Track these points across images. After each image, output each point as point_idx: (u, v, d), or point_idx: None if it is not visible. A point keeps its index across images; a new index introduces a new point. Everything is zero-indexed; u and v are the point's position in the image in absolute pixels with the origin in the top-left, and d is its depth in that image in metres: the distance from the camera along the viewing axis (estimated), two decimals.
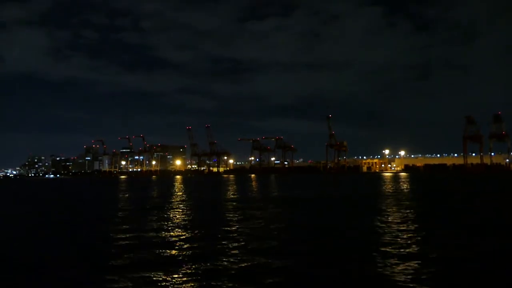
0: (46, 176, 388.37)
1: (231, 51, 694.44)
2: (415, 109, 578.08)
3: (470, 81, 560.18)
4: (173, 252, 16.71)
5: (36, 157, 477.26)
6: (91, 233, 22.91)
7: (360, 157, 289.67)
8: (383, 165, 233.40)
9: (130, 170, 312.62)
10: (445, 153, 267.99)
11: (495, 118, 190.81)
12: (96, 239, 20.47)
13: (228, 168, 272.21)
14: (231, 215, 29.34)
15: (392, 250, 16.28)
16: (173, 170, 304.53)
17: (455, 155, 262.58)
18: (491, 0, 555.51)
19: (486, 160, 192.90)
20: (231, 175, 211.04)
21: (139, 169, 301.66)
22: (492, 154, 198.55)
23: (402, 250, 16.21)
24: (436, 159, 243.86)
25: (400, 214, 28.24)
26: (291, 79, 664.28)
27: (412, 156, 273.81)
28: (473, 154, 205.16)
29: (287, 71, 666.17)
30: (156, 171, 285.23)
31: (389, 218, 26.53)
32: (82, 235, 22.17)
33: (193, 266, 14.11)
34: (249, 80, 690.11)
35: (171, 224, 25.09)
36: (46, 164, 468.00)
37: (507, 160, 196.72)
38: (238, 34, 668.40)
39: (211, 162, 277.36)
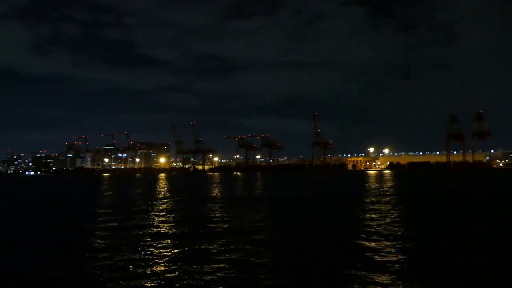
0: (26, 173, 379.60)
1: (216, 49, 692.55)
2: (398, 108, 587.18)
3: (451, 80, 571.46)
4: (155, 254, 16.02)
5: (16, 154, 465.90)
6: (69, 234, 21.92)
7: (345, 155, 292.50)
8: (367, 163, 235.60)
9: (114, 167, 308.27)
10: (428, 151, 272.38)
11: (477, 116, 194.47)
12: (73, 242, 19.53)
13: (213, 166, 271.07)
14: (216, 214, 28.68)
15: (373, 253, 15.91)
16: (157, 167, 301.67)
17: (437, 153, 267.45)
18: (471, 1, 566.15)
19: (468, 158, 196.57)
20: (216, 173, 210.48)
21: (122, 167, 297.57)
22: (473, 152, 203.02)
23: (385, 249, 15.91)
24: (419, 157, 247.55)
25: (385, 213, 28.04)
26: (276, 78, 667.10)
27: (396, 154, 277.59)
28: (455, 152, 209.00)
29: (272, 69, 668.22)
30: (140, 168, 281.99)
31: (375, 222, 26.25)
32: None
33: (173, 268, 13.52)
34: (234, 78, 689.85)
35: (155, 226, 24.30)
36: (26, 161, 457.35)
37: (488, 158, 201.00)
38: (223, 32, 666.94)
39: (196, 160, 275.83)
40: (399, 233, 20.22)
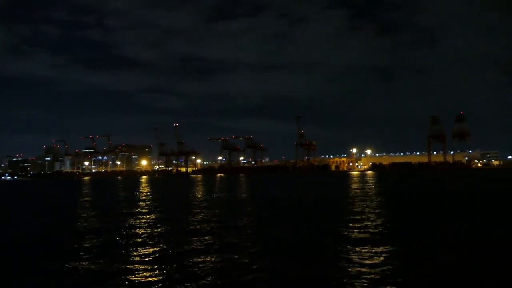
0: (3, 178, 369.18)
1: (200, 50, 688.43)
2: (380, 110, 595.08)
3: (432, 82, 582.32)
4: (136, 260, 15.43)
5: None
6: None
7: (328, 156, 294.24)
8: (350, 164, 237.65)
9: (94, 171, 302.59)
10: (409, 152, 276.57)
11: (458, 118, 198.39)
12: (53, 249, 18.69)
13: (196, 168, 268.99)
14: (198, 218, 28.12)
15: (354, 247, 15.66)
16: (139, 170, 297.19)
17: (418, 153, 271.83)
18: (452, 4, 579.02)
19: (449, 158, 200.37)
20: (199, 175, 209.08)
21: (103, 170, 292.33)
22: (453, 152, 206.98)
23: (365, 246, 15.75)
24: (401, 157, 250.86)
25: (368, 215, 27.98)
26: (260, 80, 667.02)
27: (378, 154, 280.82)
28: (434, 153, 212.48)
29: (256, 71, 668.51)
30: (121, 171, 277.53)
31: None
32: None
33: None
34: (217, 80, 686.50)
35: (137, 231, 23.60)
36: (2, 165, 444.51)
37: (467, 158, 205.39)
38: (207, 34, 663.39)
39: (178, 162, 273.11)
40: (381, 235, 20.05)
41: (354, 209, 31.15)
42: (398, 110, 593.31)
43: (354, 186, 67.01)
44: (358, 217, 26.24)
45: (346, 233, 20.54)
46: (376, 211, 29.86)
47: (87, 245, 19.11)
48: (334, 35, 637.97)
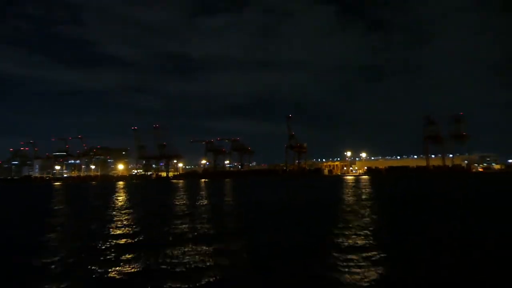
0: None
1: (181, 47, 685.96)
2: (372, 110, 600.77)
3: (425, 82, 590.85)
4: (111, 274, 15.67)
5: None
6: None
7: (319, 160, 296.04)
8: (344, 168, 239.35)
9: (66, 175, 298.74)
10: (405, 155, 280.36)
11: (456, 118, 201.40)
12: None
13: (178, 173, 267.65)
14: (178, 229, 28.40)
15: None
16: (115, 175, 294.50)
17: (415, 156, 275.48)
18: (445, 2, 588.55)
19: (448, 162, 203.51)
20: (181, 180, 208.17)
21: (76, 175, 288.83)
22: (452, 155, 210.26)
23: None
24: (397, 161, 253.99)
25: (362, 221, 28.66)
26: (245, 78, 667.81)
27: (373, 158, 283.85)
28: (432, 156, 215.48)
29: (241, 69, 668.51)
30: (96, 176, 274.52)
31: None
32: None
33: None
34: (200, 78, 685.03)
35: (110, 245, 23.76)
36: None
37: (466, 161, 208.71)
38: (189, 30, 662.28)
39: (158, 166, 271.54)
40: (376, 240, 20.67)
41: (348, 215, 31.84)
42: (391, 111, 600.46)
43: (348, 190, 67.87)
44: (352, 224, 26.88)
45: (339, 238, 21.10)
46: (372, 216, 30.59)
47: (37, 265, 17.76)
48: (322, 32, 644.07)
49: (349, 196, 53.13)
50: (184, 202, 52.11)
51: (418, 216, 31.27)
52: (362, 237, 21.15)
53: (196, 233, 24.11)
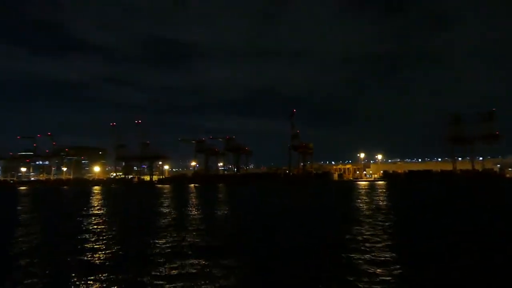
0: None
1: (168, 32, 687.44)
2: (387, 106, 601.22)
3: (447, 73, 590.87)
4: None
5: None
6: None
7: (327, 162, 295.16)
8: (357, 172, 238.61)
9: (33, 179, 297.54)
10: (427, 157, 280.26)
11: (487, 116, 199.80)
12: None
13: (163, 176, 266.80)
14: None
15: None
16: (91, 179, 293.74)
17: (439, 159, 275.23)
18: None
19: (477, 166, 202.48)
20: (167, 185, 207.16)
21: (45, 178, 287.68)
22: (482, 158, 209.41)
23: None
24: (418, 164, 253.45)
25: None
26: (242, 69, 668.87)
27: (390, 161, 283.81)
28: (459, 159, 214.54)
29: (237, 58, 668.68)
30: (68, 180, 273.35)
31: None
32: None
33: None
34: (190, 68, 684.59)
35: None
36: None
37: (499, 165, 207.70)
38: (177, 13, 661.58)
39: (141, 169, 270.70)
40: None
41: (367, 231, 30.77)
42: (410, 107, 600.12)
43: (365, 200, 66.93)
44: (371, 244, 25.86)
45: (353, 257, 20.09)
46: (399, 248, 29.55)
47: None
48: (330, 18, 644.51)
49: (369, 211, 52.07)
50: (170, 211, 51.22)
51: (449, 236, 30.13)
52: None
53: (180, 251, 23.12)
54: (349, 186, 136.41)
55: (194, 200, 78.77)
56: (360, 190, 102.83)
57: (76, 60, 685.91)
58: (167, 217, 44.26)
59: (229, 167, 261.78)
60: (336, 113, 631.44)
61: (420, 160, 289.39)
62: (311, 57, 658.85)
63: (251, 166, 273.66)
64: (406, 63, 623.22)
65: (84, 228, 36.08)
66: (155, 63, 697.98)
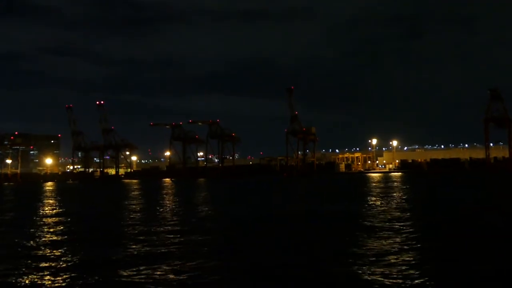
0: None
1: None
2: (405, 80, 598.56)
3: (477, 39, 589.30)
4: None
5: None
6: None
7: (330, 150, 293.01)
8: (369, 161, 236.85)
9: None
10: (452, 143, 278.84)
11: None
12: None
13: (131, 170, 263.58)
14: None
15: None
16: (42, 173, 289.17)
17: (466, 145, 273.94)
18: None
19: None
20: (135, 180, 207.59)
21: None
22: None
23: None
24: (443, 151, 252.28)
25: None
26: (222, 35, 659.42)
27: (407, 148, 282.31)
28: (491, 144, 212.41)
29: (216, 22, 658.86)
30: (13, 175, 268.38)
31: None
32: None
33: None
34: (157, 35, 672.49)
35: None
36: None
37: None
38: None
39: (103, 160, 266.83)
40: None
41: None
42: (433, 82, 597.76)
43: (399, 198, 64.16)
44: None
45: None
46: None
47: None
48: None
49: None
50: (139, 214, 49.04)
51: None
52: None
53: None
54: (358, 178, 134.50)
55: (169, 199, 76.82)
56: (378, 185, 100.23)
57: (12, 25, 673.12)
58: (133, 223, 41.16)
59: (210, 158, 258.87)
60: (343, 91, 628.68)
61: (443, 146, 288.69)
62: (311, 20, 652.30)
63: (237, 156, 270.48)
64: (430, 26, 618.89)
65: (25, 237, 32.76)
66: (112, 29, 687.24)
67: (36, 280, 21.91)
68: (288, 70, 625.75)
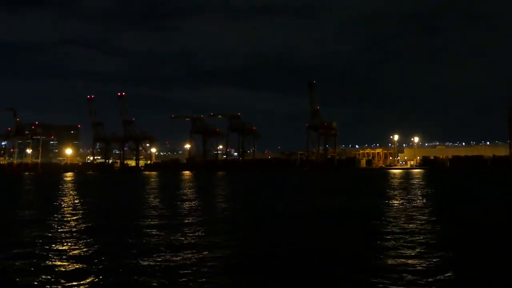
0: None
1: None
2: (424, 77, 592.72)
3: (497, 35, 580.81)
4: None
5: None
6: None
7: (349, 146, 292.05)
8: (390, 158, 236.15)
9: None
10: (474, 140, 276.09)
11: None
12: None
13: (151, 162, 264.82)
14: None
15: None
16: (62, 163, 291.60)
17: (487, 143, 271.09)
18: None
19: None
20: (154, 172, 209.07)
21: (5, 162, 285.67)
22: None
23: None
24: (465, 148, 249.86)
25: None
26: (241, 30, 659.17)
27: (428, 144, 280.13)
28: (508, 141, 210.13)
29: (235, 17, 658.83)
30: (34, 165, 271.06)
31: None
32: None
33: None
34: (177, 29, 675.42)
35: None
36: None
37: None
38: None
39: (124, 152, 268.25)
40: None
41: None
42: (454, 77, 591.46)
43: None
44: None
45: None
46: None
47: None
48: None
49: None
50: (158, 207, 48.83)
51: None
52: None
53: None
54: (380, 174, 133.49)
55: (190, 192, 76.05)
56: (403, 182, 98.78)
57: (31, 17, 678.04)
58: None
59: (229, 151, 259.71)
60: (361, 86, 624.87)
61: (464, 143, 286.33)
62: (327, 16, 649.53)
63: (255, 151, 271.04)
64: (447, 24, 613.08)
65: (44, 232, 32.23)
66: (132, 22, 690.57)
67: (55, 267, 22.00)
68: (303, 66, 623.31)
